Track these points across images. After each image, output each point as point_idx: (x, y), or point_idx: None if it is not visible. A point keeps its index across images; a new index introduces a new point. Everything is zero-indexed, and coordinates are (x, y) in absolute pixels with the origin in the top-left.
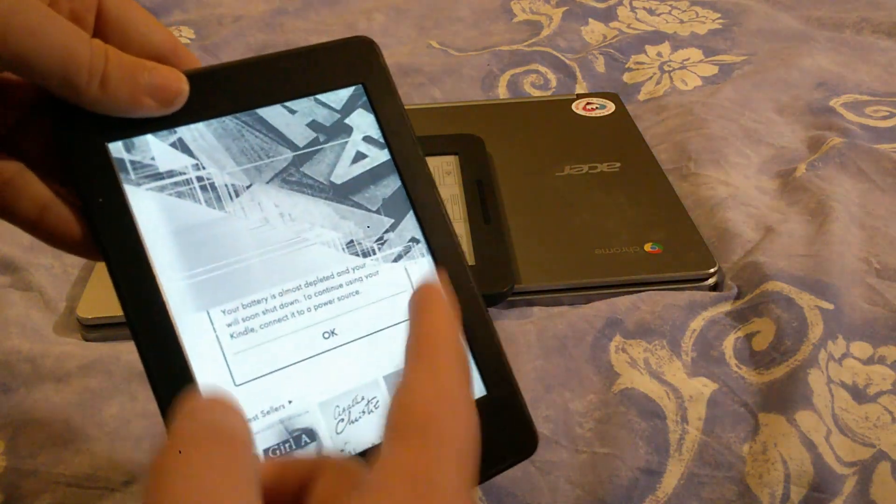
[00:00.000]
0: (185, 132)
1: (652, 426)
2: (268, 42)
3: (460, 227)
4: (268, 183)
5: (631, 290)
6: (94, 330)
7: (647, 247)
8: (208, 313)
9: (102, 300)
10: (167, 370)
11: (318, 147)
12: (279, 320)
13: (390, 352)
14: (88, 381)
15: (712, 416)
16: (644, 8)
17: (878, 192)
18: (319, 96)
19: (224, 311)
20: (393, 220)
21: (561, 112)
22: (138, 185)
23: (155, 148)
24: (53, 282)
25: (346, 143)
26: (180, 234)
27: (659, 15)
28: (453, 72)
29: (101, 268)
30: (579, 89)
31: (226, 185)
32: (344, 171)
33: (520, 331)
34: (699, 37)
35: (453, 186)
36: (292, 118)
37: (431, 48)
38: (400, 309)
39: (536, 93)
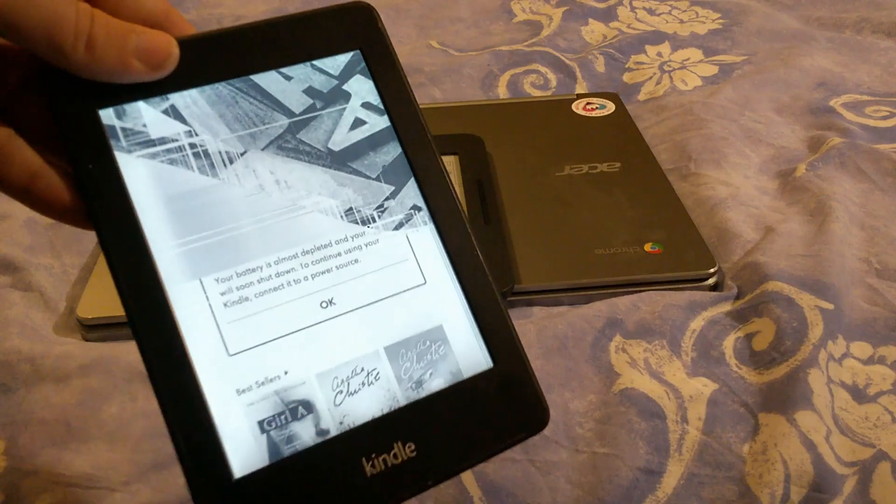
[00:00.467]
0: (178, 99)
1: (652, 426)
2: None
3: None
4: (263, 150)
5: (631, 290)
6: (94, 330)
7: (647, 247)
8: (201, 282)
9: (102, 300)
10: (158, 339)
11: (315, 114)
12: (275, 289)
13: (392, 322)
14: (88, 381)
15: (712, 416)
16: (644, 8)
17: (878, 192)
18: (316, 62)
19: (217, 280)
20: (393, 188)
21: (561, 112)
22: (129, 151)
23: (147, 114)
24: (53, 282)
25: (344, 109)
26: (172, 202)
27: (659, 15)
28: (453, 72)
29: (100, 268)
30: (579, 89)
31: (219, 152)
32: (342, 138)
33: (520, 331)
34: (699, 37)
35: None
36: (288, 85)
37: (431, 48)
38: (402, 277)
39: (536, 93)
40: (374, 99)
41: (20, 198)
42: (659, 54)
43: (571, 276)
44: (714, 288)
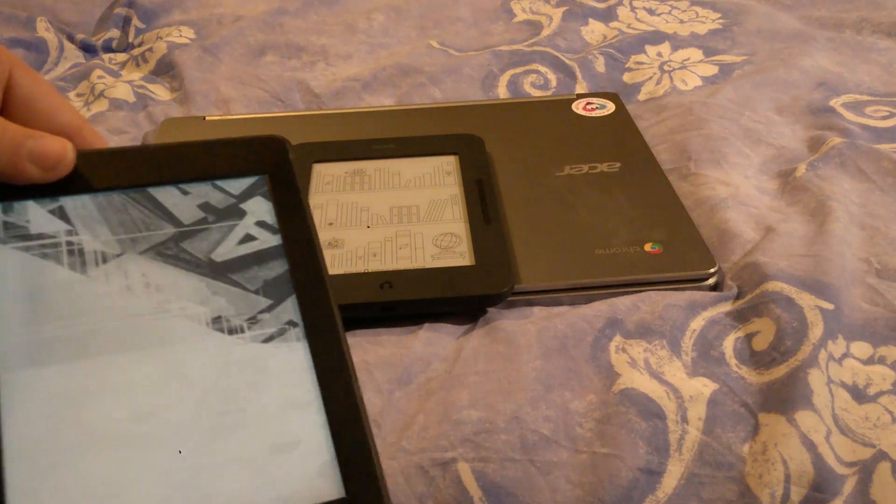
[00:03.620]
0: (68, 201)
1: (652, 426)
2: (268, 42)
3: (460, 227)
4: (140, 253)
5: (631, 290)
6: None
7: (647, 247)
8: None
9: None
10: None
11: (205, 226)
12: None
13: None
14: None
15: (712, 416)
16: (644, 8)
17: (878, 192)
18: (218, 182)
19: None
20: (271, 302)
21: (561, 112)
22: (4, 242)
23: (32, 212)
24: None
25: (236, 225)
26: (32, 292)
27: (659, 15)
28: (453, 72)
29: None
30: (579, 89)
31: (94, 251)
32: (227, 251)
33: (520, 331)
34: (699, 37)
35: (453, 186)
36: (183, 199)
37: (431, 48)
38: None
39: (536, 93)
40: (270, 219)
41: None
42: (659, 54)
43: (571, 276)
44: (714, 288)
